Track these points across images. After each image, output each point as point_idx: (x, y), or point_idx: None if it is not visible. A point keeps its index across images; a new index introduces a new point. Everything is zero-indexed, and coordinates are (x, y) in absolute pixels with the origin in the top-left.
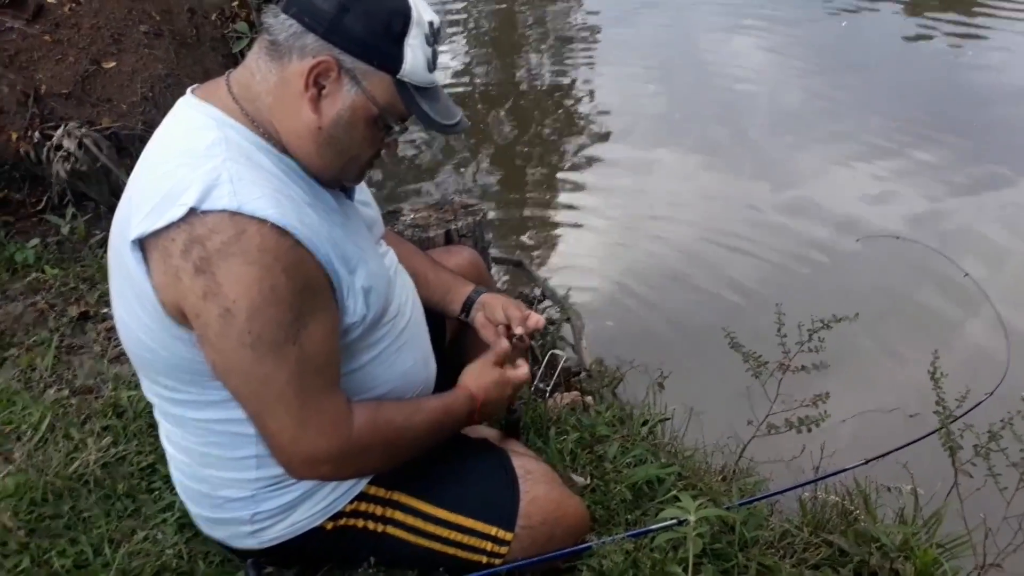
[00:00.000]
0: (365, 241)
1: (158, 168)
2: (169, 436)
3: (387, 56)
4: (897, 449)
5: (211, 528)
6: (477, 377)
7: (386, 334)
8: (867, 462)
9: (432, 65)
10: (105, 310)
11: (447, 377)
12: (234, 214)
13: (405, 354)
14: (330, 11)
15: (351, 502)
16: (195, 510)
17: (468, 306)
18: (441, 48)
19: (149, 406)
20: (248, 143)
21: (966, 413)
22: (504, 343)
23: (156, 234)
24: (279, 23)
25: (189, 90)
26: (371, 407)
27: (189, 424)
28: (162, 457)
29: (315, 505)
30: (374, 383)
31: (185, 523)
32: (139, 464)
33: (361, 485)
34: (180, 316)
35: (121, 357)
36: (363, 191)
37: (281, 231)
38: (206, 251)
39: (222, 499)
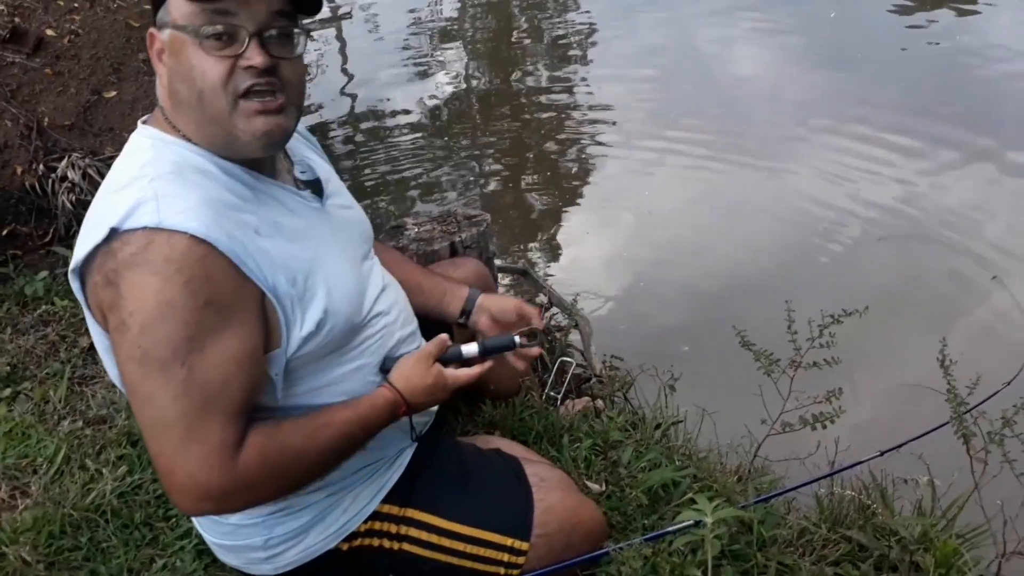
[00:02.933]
0: (331, 245)
1: (98, 198)
2: None
3: None
4: (911, 440)
5: (226, 555)
6: (408, 379)
7: (368, 347)
8: (882, 454)
9: None
10: None
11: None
12: (151, 230)
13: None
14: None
15: (365, 522)
16: (210, 538)
17: (467, 310)
18: (438, 58)
19: None
20: (184, 155)
21: (984, 401)
22: (444, 336)
23: (86, 261)
24: None
25: (141, 120)
26: (265, 433)
27: None
28: None
29: (328, 528)
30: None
31: (203, 550)
32: (155, 492)
33: (374, 504)
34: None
35: None
36: (341, 194)
37: (195, 241)
38: (116, 262)
39: (233, 526)
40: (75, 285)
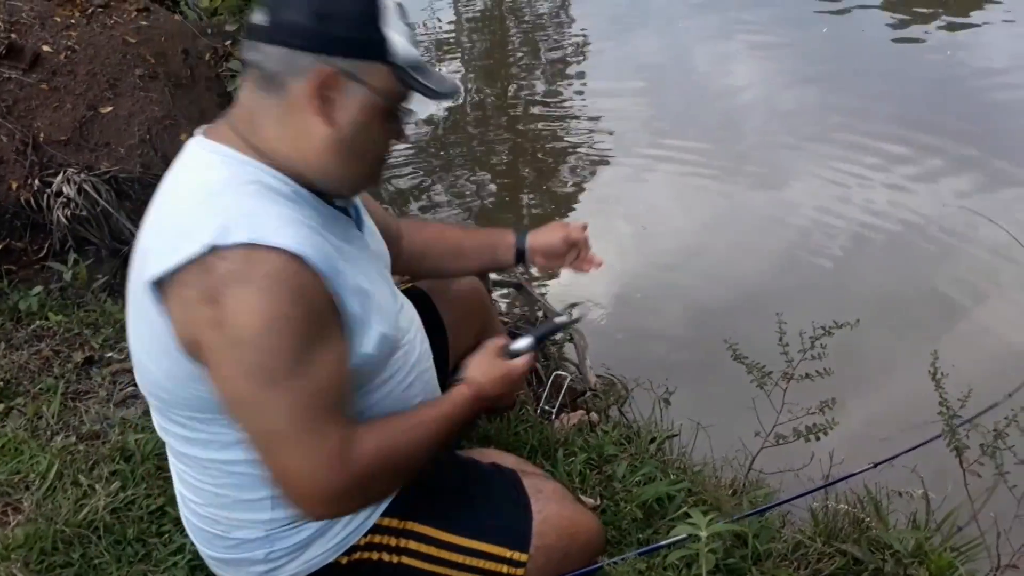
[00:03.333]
0: (375, 272)
1: (173, 208)
2: (182, 477)
3: (374, 46)
4: (903, 453)
5: (223, 569)
6: (484, 374)
7: (398, 370)
8: (875, 466)
9: (413, 40)
10: (110, 354)
11: None
12: (249, 246)
13: (415, 389)
14: (311, 25)
15: (364, 535)
16: (207, 552)
17: (521, 251)
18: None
19: (157, 448)
20: (261, 176)
21: (979, 415)
22: (504, 338)
23: (174, 272)
24: (267, 55)
25: (199, 132)
26: (371, 432)
27: (204, 465)
28: (172, 499)
29: (328, 541)
30: None
31: (196, 565)
32: (148, 507)
33: (374, 517)
34: (197, 351)
35: (127, 401)
36: (370, 222)
37: (292, 257)
38: (215, 279)
39: (235, 540)
40: (152, 295)
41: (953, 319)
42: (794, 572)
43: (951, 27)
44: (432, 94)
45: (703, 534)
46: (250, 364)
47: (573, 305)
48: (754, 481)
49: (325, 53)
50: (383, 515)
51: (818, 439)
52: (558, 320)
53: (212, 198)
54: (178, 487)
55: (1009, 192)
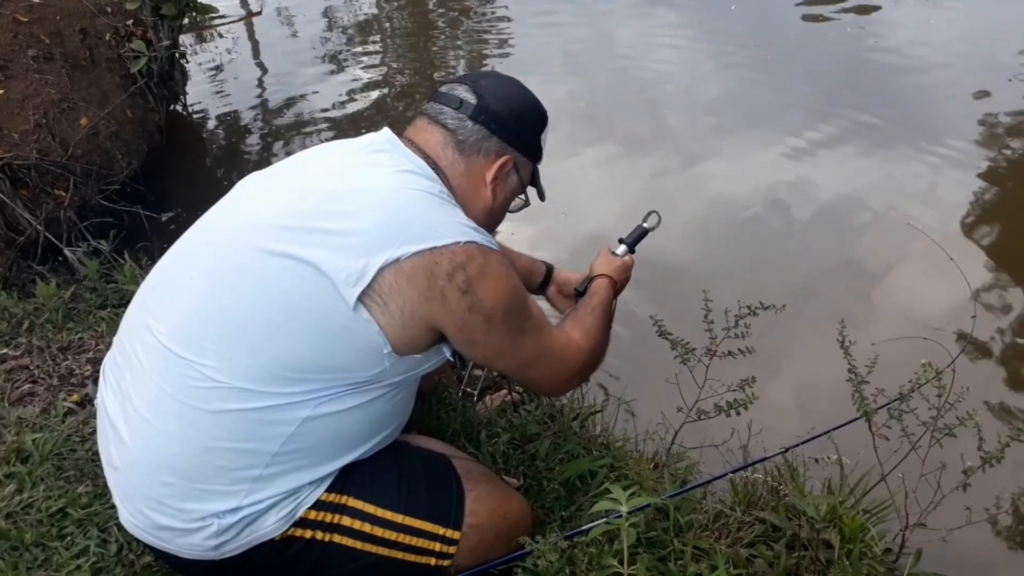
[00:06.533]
0: None
1: (383, 196)
2: (188, 436)
3: (537, 150)
4: (813, 438)
5: (168, 540)
6: (607, 266)
7: (414, 381)
8: (787, 451)
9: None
10: (5, 350)
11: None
12: (478, 245)
13: (411, 391)
14: (510, 120)
15: (308, 509)
16: (170, 523)
17: (544, 285)
18: (357, 56)
19: (56, 448)
20: (444, 195)
21: (908, 392)
22: (607, 248)
23: (412, 256)
24: (467, 128)
25: (393, 134)
26: (571, 325)
27: (225, 419)
28: (73, 500)
29: (279, 512)
30: (385, 421)
31: (100, 568)
32: (48, 509)
33: (318, 492)
34: (423, 331)
35: (24, 399)
36: None
37: (497, 251)
38: (467, 275)
39: (190, 512)
40: (355, 274)
41: (874, 293)
42: (715, 542)
43: (861, 7)
44: (542, 195)
45: (624, 510)
46: (508, 329)
47: (650, 212)
48: (676, 455)
49: (511, 144)
50: (325, 491)
51: (738, 414)
52: (644, 225)
53: (430, 204)
54: (147, 452)
55: (930, 173)
